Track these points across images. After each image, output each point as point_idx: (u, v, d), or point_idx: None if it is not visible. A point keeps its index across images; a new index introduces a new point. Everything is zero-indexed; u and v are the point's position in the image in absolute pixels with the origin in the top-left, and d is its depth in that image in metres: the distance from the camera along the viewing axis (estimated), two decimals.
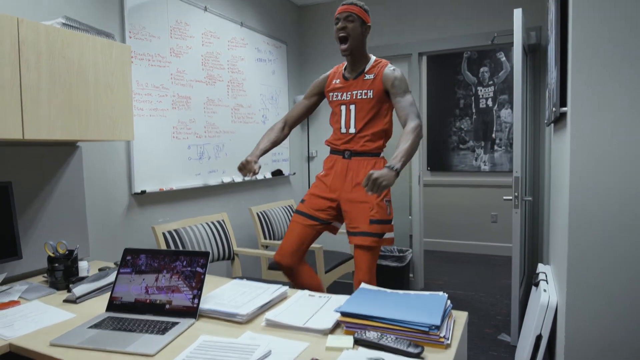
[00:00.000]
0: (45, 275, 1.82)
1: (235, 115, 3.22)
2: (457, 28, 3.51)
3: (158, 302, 1.40)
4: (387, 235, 1.98)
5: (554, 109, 1.92)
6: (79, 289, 1.57)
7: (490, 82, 4.93)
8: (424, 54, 3.72)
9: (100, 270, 1.89)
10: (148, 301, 1.41)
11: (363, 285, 1.51)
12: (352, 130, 2.04)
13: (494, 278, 4.16)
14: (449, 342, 1.17)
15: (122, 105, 1.95)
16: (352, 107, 2.04)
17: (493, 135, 4.98)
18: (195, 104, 2.84)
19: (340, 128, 2.08)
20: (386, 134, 2.06)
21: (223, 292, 1.53)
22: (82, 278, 1.69)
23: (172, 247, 2.36)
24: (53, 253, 1.73)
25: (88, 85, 1.79)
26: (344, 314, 1.25)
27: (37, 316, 1.42)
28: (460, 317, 1.34)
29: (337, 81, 2.11)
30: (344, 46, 1.98)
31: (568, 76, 1.65)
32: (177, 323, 1.32)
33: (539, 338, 1.88)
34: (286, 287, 1.57)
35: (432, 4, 3.58)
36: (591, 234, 1.57)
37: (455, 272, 4.40)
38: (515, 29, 2.65)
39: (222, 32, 3.07)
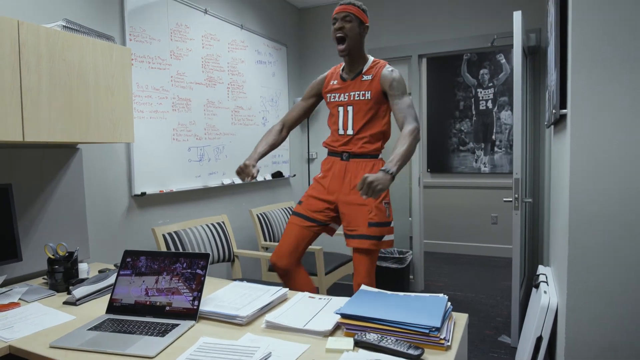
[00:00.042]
0: (45, 277, 1.82)
1: (235, 118, 3.22)
2: (457, 30, 3.51)
3: (158, 304, 1.40)
4: (387, 237, 1.96)
5: (554, 110, 1.92)
6: (79, 291, 1.57)
7: (490, 84, 4.93)
8: (424, 56, 3.72)
9: (100, 272, 1.89)
10: (148, 303, 1.41)
11: (363, 287, 1.51)
12: (350, 131, 2.01)
13: (494, 279, 4.16)
14: (449, 344, 1.16)
15: (122, 108, 1.95)
16: (350, 108, 2.01)
17: (493, 137, 4.98)
18: (196, 106, 2.84)
19: (338, 129, 2.05)
20: (384, 135, 2.03)
21: (223, 294, 1.53)
22: (82, 280, 1.69)
23: (172, 249, 2.36)
24: (53, 255, 1.73)
25: (88, 87, 1.80)
26: (344, 315, 1.25)
27: (37, 318, 1.42)
28: (461, 319, 1.34)
29: (335, 82, 2.08)
30: (341, 47, 1.96)
31: (568, 78, 1.65)
32: (177, 325, 1.31)
33: (539, 340, 1.88)
34: (286, 289, 1.57)
35: (432, 6, 3.59)
36: (591, 235, 1.57)
37: (456, 273, 4.40)
38: (515, 31, 2.65)
39: (222, 35, 3.08)
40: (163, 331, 1.27)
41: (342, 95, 2.04)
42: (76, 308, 1.53)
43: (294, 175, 4.06)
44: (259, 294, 1.51)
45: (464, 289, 3.90)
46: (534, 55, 3.28)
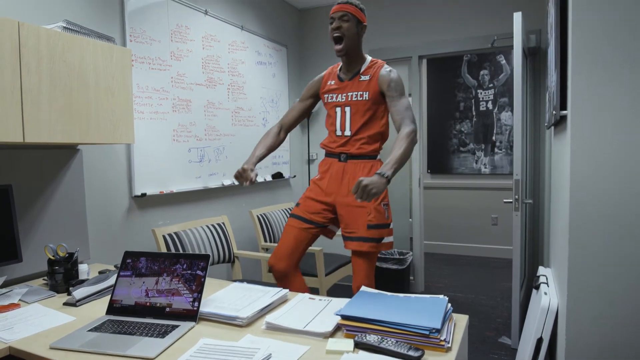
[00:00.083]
0: (46, 278, 1.82)
1: (235, 118, 3.22)
2: (457, 31, 3.51)
3: (158, 305, 1.40)
4: (386, 239, 1.94)
5: (554, 111, 1.92)
6: (79, 292, 1.57)
7: (491, 85, 4.94)
8: (424, 57, 3.72)
9: (100, 273, 1.88)
10: (148, 304, 1.41)
11: (363, 288, 1.51)
12: (347, 132, 1.98)
13: (495, 281, 4.16)
14: (449, 345, 1.16)
15: (122, 109, 1.95)
16: (348, 109, 1.98)
17: (493, 138, 4.98)
18: (196, 107, 2.84)
19: (336, 130, 2.02)
20: (383, 136, 2.01)
21: (223, 295, 1.53)
22: (82, 281, 1.69)
23: (173, 250, 2.36)
24: (53, 256, 1.73)
25: (89, 88, 1.80)
26: (344, 317, 1.25)
27: (37, 319, 1.42)
28: (461, 320, 1.34)
29: (332, 82, 2.05)
30: (338, 46, 1.92)
31: (568, 79, 1.65)
32: (177, 326, 1.31)
33: (539, 341, 1.88)
34: (286, 290, 1.57)
35: (432, 7, 3.59)
36: (592, 236, 1.56)
37: (456, 274, 4.39)
38: (515, 32, 2.65)
39: (222, 36, 3.08)
40: (163, 332, 1.27)
41: (340, 95, 2.01)
42: (76, 309, 1.52)
43: (294, 176, 4.06)
44: (259, 295, 1.51)
45: (464, 290, 3.90)
46: (534, 56, 3.28)
